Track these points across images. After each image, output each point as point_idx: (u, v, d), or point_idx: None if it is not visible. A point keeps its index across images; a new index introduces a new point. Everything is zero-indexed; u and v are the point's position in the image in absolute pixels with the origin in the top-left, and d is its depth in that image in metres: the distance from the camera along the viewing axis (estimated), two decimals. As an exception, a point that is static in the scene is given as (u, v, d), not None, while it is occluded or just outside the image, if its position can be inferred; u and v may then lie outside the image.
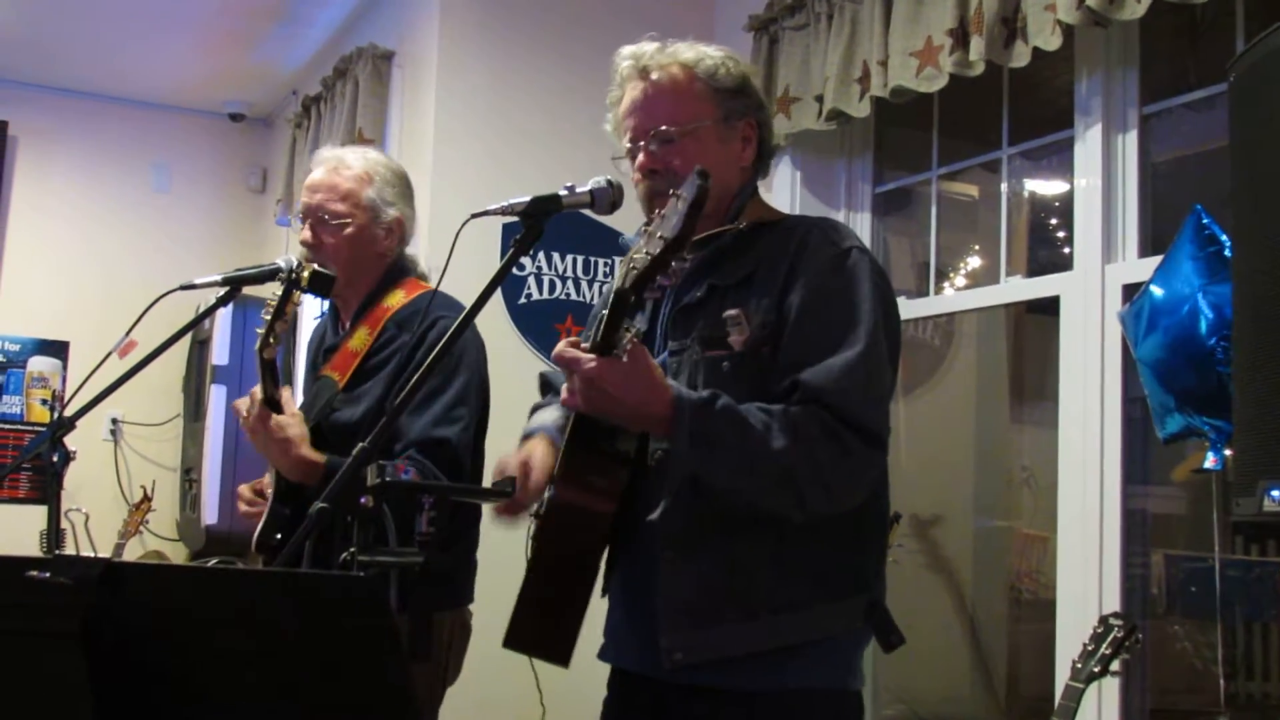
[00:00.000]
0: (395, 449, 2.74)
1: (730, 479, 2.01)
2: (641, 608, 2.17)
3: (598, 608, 2.21)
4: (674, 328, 2.21)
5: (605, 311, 1.93)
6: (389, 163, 3.11)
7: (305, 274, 2.66)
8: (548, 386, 2.62)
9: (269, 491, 2.92)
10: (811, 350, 2.06)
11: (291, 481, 2.79)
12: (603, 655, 2.35)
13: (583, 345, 1.99)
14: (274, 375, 2.73)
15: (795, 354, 2.07)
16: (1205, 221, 2.70)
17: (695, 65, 2.25)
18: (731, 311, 2.12)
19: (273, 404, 2.74)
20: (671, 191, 1.84)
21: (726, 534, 2.09)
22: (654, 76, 2.26)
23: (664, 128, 2.22)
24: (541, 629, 2.11)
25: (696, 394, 2.01)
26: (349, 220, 2.94)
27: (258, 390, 2.73)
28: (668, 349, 2.20)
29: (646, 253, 1.83)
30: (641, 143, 2.26)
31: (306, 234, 2.96)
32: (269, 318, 2.67)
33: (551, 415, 2.40)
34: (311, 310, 5.53)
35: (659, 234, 1.82)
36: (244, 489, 2.99)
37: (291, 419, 2.74)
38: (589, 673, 2.36)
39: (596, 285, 4.69)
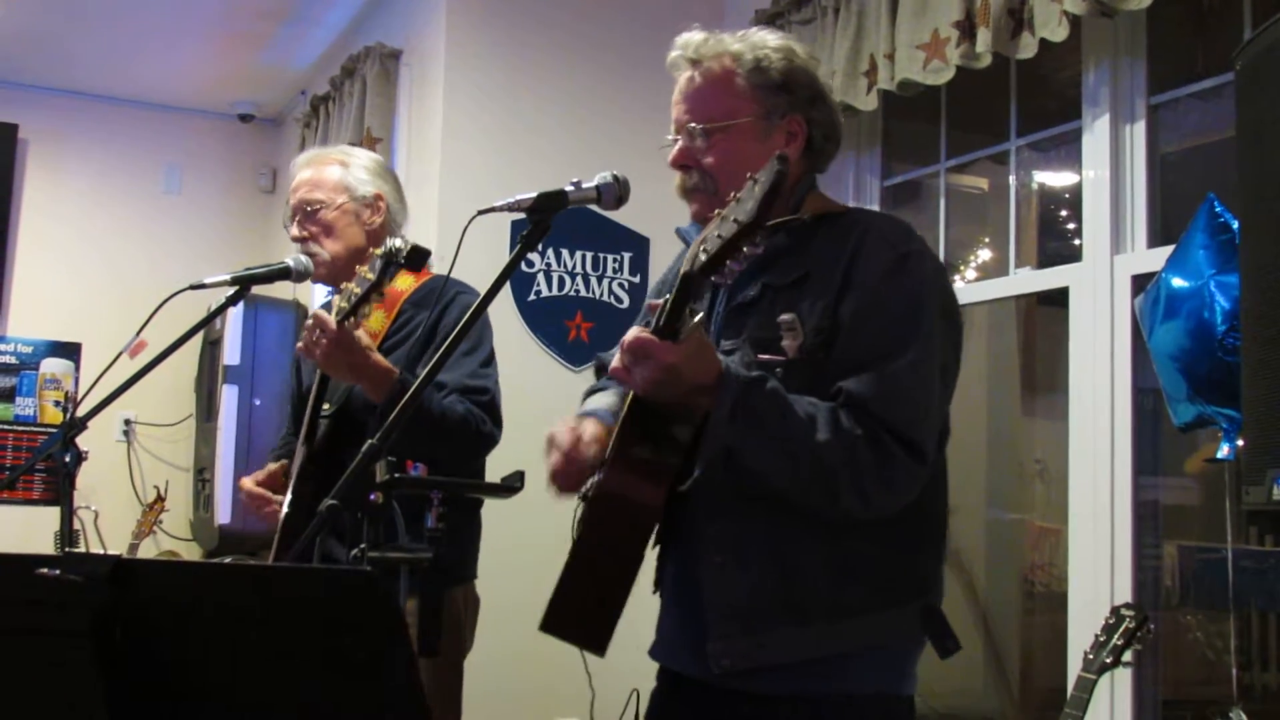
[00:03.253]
0: (438, 396, 2.79)
1: (765, 460, 1.96)
2: (690, 609, 2.12)
3: (649, 602, 2.19)
4: (726, 326, 2.16)
5: (670, 294, 1.90)
6: (368, 153, 3.23)
7: (405, 249, 2.54)
8: (603, 370, 2.55)
9: (276, 479, 2.99)
10: (863, 359, 2.01)
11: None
12: (653, 653, 2.30)
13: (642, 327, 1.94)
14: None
15: (847, 362, 2.01)
16: (1218, 209, 2.69)
17: (740, 58, 2.19)
18: (786, 316, 2.06)
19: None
20: (749, 175, 1.80)
21: (777, 537, 2.04)
22: (699, 68, 2.21)
23: (698, 124, 2.18)
24: (579, 615, 2.05)
25: (746, 372, 1.98)
26: (327, 203, 3.03)
27: (327, 314, 2.67)
28: (720, 348, 2.12)
29: (719, 235, 1.80)
30: (679, 136, 2.22)
31: (295, 230, 3.04)
32: (359, 291, 2.58)
33: (606, 400, 2.34)
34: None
35: (732, 217, 1.78)
36: (246, 482, 3.02)
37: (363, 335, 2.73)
38: (640, 665, 2.35)
39: (606, 281, 4.69)
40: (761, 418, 1.94)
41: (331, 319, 2.64)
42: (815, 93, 2.24)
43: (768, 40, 2.22)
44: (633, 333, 1.91)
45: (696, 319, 1.89)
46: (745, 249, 1.80)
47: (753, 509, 2.04)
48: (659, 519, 2.03)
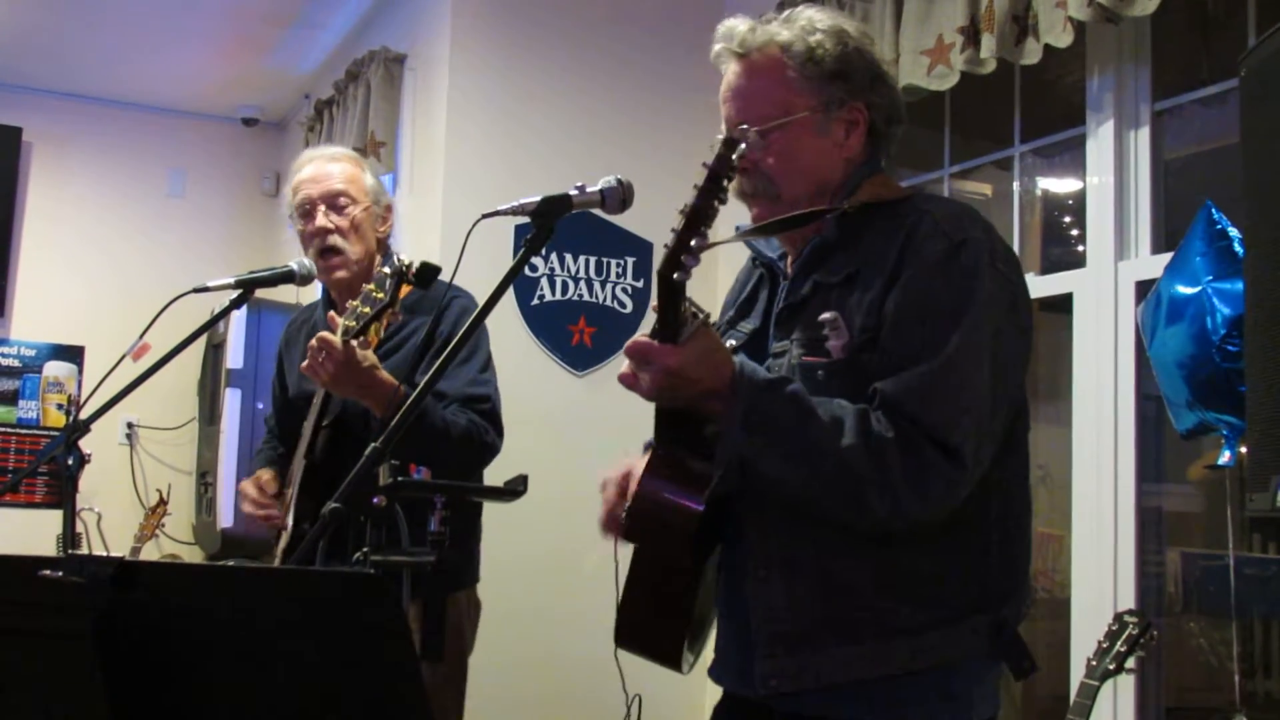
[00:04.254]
0: (440, 408, 2.79)
1: (783, 468, 1.85)
2: (739, 626, 2.02)
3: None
4: (779, 327, 2.07)
5: (658, 293, 1.83)
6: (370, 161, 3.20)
7: (414, 266, 2.52)
8: None
9: (269, 485, 2.99)
10: (903, 356, 1.88)
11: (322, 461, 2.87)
12: (711, 672, 2.19)
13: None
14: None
15: (888, 361, 1.89)
16: (1216, 216, 2.70)
17: (792, 45, 2.03)
18: (828, 315, 1.96)
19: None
20: (703, 163, 1.76)
21: (823, 550, 1.93)
22: (747, 61, 2.07)
23: (749, 126, 1.98)
24: (644, 629, 1.99)
25: (764, 375, 1.88)
26: (358, 202, 3.01)
27: (332, 336, 2.62)
28: (771, 350, 2.06)
29: (672, 230, 1.77)
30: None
31: (322, 220, 2.97)
32: (368, 310, 2.54)
33: None
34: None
35: (682, 210, 1.77)
36: (247, 485, 3.01)
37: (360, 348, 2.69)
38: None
39: (609, 286, 4.69)
40: (777, 423, 1.84)
41: (337, 340, 2.59)
42: (875, 74, 2.09)
43: (816, 22, 2.06)
44: (634, 338, 1.86)
45: (699, 320, 1.83)
46: (694, 241, 1.76)
47: (797, 520, 1.93)
48: (698, 525, 1.91)
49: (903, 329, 1.90)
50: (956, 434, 1.85)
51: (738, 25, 2.09)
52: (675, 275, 1.79)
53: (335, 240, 2.97)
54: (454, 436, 2.75)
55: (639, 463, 2.02)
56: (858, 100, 2.07)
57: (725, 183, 1.80)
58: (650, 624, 1.97)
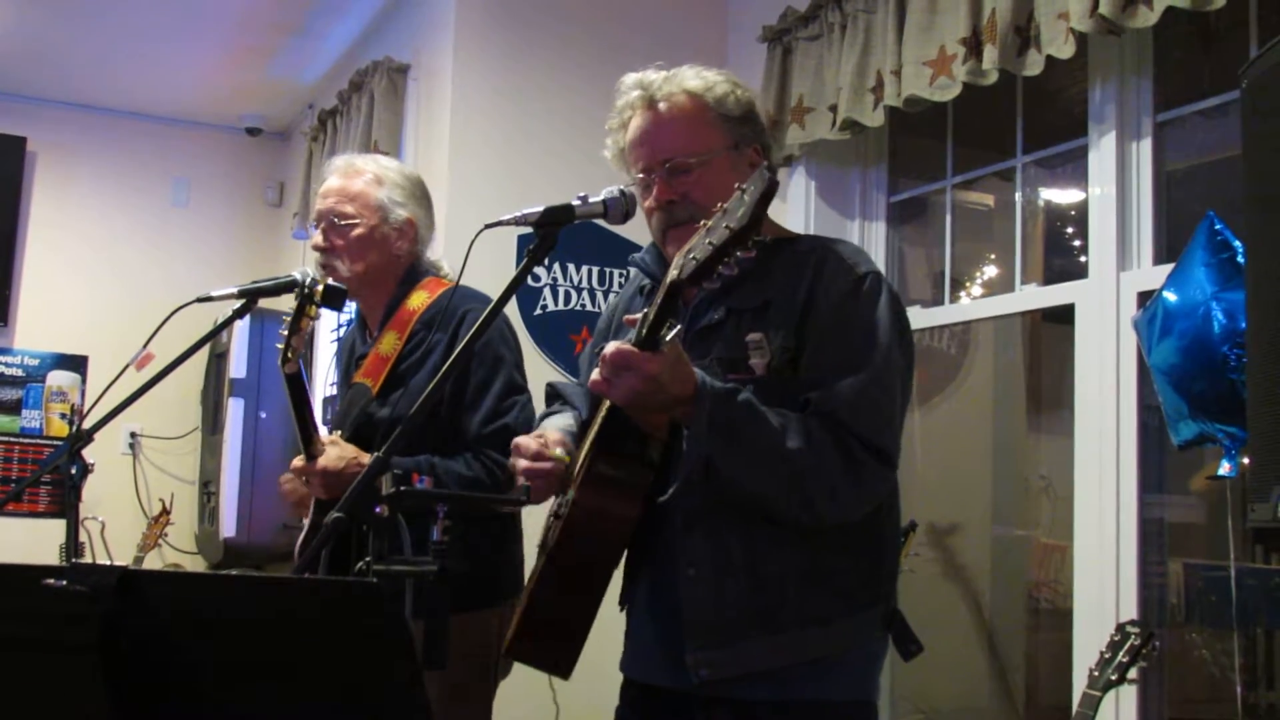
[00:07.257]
0: (458, 448, 2.82)
1: (742, 468, 2.03)
2: (666, 622, 2.18)
3: (605, 617, 2.21)
4: (691, 349, 2.16)
5: (656, 304, 1.90)
6: (401, 168, 3.16)
7: (319, 288, 2.68)
8: (555, 397, 2.62)
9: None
10: (829, 372, 2.09)
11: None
12: (624, 667, 2.36)
13: (627, 340, 1.95)
14: (301, 389, 2.76)
15: (814, 376, 2.10)
16: (1218, 228, 2.69)
17: (704, 93, 2.25)
18: (754, 336, 2.14)
19: (309, 445, 2.79)
20: (736, 186, 1.80)
21: (749, 549, 2.11)
22: (662, 106, 2.26)
23: (678, 159, 2.22)
24: (548, 639, 2.12)
25: (721, 384, 2.03)
26: (358, 221, 2.99)
27: (298, 460, 2.79)
28: None
29: (709, 243, 1.79)
30: (655, 174, 2.24)
31: (318, 238, 3.01)
32: (286, 333, 2.70)
33: (562, 422, 2.40)
34: (327, 322, 5.57)
35: (724, 225, 1.78)
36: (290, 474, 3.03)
37: (332, 446, 2.78)
38: (604, 679, 2.36)
39: (612, 296, 4.69)
40: (737, 427, 2.00)
41: (300, 464, 2.77)
42: (764, 124, 2.34)
43: (716, 75, 2.29)
44: (613, 345, 1.93)
45: (675, 331, 1.91)
46: (739, 254, 1.79)
47: (726, 522, 2.11)
48: (631, 534, 2.11)
49: (825, 347, 2.12)
50: (884, 437, 2.10)
51: (649, 75, 2.29)
52: (703, 285, 1.86)
53: (329, 260, 3.00)
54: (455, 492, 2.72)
55: (549, 434, 2.23)
56: (756, 142, 2.31)
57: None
58: (558, 633, 2.11)
